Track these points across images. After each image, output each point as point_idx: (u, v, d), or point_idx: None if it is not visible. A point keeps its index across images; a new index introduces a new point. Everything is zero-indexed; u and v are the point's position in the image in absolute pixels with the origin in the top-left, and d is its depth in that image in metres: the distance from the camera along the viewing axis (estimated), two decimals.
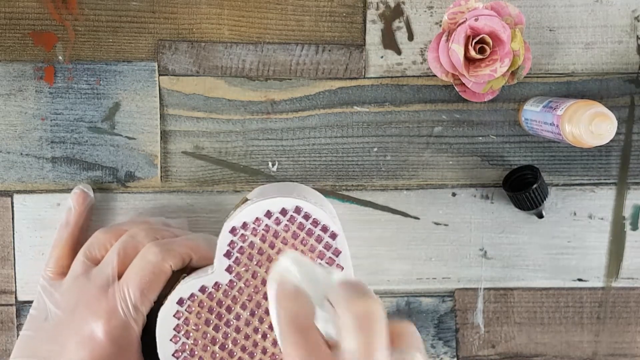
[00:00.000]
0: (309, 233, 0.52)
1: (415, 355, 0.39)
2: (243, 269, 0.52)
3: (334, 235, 0.52)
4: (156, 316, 0.52)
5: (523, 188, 0.59)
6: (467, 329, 0.62)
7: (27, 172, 0.60)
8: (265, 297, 0.52)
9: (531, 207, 0.59)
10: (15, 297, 0.61)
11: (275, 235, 0.52)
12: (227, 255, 0.52)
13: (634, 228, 0.62)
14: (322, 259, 0.52)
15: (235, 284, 0.52)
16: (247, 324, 0.52)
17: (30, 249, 0.60)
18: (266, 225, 0.51)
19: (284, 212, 0.51)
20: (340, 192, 0.61)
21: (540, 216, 0.61)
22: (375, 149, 0.61)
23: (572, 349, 0.62)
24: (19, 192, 0.60)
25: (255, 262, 0.52)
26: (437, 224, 0.61)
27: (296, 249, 0.52)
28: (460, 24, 0.56)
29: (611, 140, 0.51)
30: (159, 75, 0.60)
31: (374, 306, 0.39)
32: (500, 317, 0.62)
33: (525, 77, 0.59)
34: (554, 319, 0.62)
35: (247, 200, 0.53)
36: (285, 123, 0.60)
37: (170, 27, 0.59)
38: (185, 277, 0.53)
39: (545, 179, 0.61)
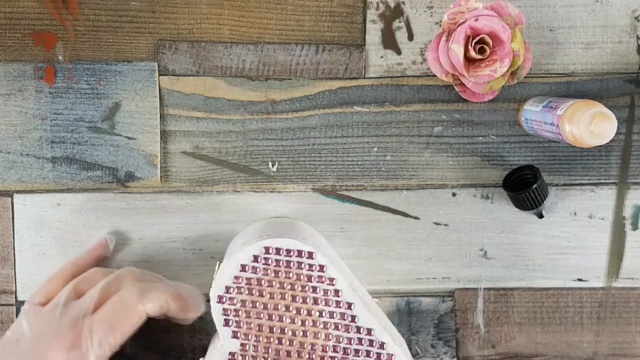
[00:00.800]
0: (288, 264, 0.53)
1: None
2: (246, 328, 0.53)
3: (311, 255, 0.53)
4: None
5: (523, 188, 0.59)
6: (467, 329, 0.62)
7: (27, 172, 0.60)
8: (281, 342, 0.53)
9: (531, 207, 0.59)
10: (15, 297, 0.61)
11: (259, 282, 0.53)
12: (227, 323, 0.53)
13: (634, 228, 0.62)
14: (311, 280, 0.53)
15: (247, 345, 0.53)
16: None
17: (30, 249, 0.60)
18: (247, 278, 0.52)
19: (255, 258, 0.52)
20: (340, 192, 0.61)
21: (540, 216, 0.61)
22: (375, 149, 0.61)
23: (572, 349, 0.62)
24: (19, 192, 0.60)
25: (255, 316, 0.53)
26: (437, 224, 0.61)
27: (285, 283, 0.53)
28: (460, 24, 0.56)
29: (611, 140, 0.51)
30: (159, 75, 0.60)
31: None
32: (500, 317, 0.62)
33: (525, 77, 0.59)
34: (554, 319, 0.62)
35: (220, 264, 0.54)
36: (285, 123, 0.60)
37: (170, 27, 0.59)
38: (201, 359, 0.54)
39: (545, 179, 0.61)
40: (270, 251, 0.53)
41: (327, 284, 0.53)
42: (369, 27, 0.60)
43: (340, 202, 0.61)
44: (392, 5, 0.60)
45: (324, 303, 0.53)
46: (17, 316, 0.60)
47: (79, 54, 0.59)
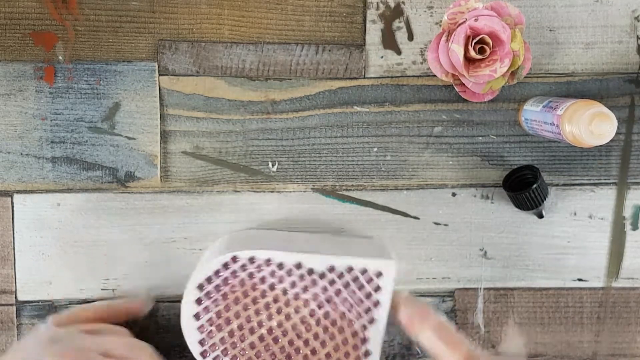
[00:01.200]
0: (250, 276, 0.54)
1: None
2: (223, 346, 0.55)
3: (268, 262, 0.54)
4: None
5: (523, 188, 0.59)
6: (467, 329, 0.62)
7: (27, 172, 0.60)
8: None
9: (531, 207, 0.59)
10: (15, 297, 0.61)
11: (224, 297, 0.54)
12: (202, 353, 0.55)
13: (634, 228, 0.62)
14: (290, 287, 0.54)
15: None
16: None
17: (30, 249, 0.60)
18: (205, 307, 0.54)
19: (209, 279, 0.54)
20: (340, 192, 0.61)
21: (540, 216, 0.61)
22: (375, 149, 0.61)
23: (572, 349, 0.62)
24: (19, 192, 0.60)
25: (228, 334, 0.55)
26: (437, 224, 0.61)
27: (244, 298, 0.55)
28: (460, 24, 0.56)
29: (611, 140, 0.51)
30: (159, 75, 0.60)
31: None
32: (500, 317, 0.62)
33: (525, 77, 0.59)
34: (554, 319, 0.62)
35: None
36: (285, 123, 0.60)
37: (170, 27, 0.59)
38: None
39: (545, 179, 0.61)
40: (229, 267, 0.54)
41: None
42: (369, 27, 0.60)
43: (340, 202, 0.61)
44: (392, 5, 0.60)
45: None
46: (17, 316, 0.61)
47: (79, 54, 0.59)
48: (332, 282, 0.54)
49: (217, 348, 0.55)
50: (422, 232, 0.61)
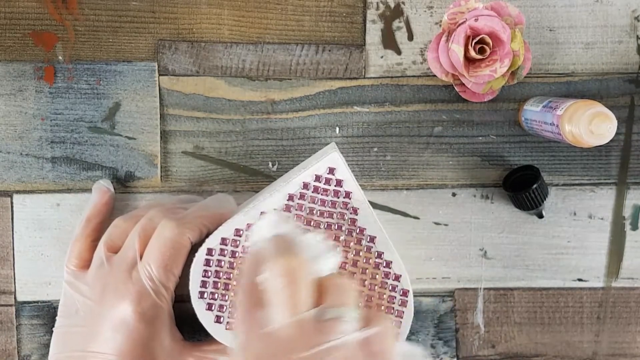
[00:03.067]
0: (232, 254, 0.54)
1: (342, 311, 0.40)
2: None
3: (238, 231, 0.54)
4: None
5: (523, 188, 0.59)
6: (467, 329, 0.62)
7: (27, 172, 0.60)
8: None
9: (531, 207, 0.59)
10: (15, 298, 0.61)
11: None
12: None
13: (634, 228, 0.62)
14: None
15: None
16: None
17: (29, 249, 0.60)
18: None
19: (203, 284, 0.55)
20: None
21: (540, 216, 0.61)
22: (375, 149, 0.61)
23: (572, 349, 0.62)
24: (18, 192, 0.60)
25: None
26: (437, 224, 0.61)
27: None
28: (460, 24, 0.56)
29: (611, 140, 0.51)
30: (159, 75, 0.60)
31: (295, 263, 0.41)
32: (500, 317, 0.62)
33: (525, 77, 0.59)
34: (554, 319, 0.62)
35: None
36: (285, 123, 0.60)
37: (170, 27, 0.59)
38: None
39: (545, 179, 0.61)
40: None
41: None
42: (369, 27, 0.60)
43: None
44: (392, 5, 0.60)
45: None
46: (16, 317, 0.60)
47: (79, 54, 0.59)
48: (300, 207, 0.55)
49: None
50: (422, 232, 0.61)
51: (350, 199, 0.55)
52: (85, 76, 0.60)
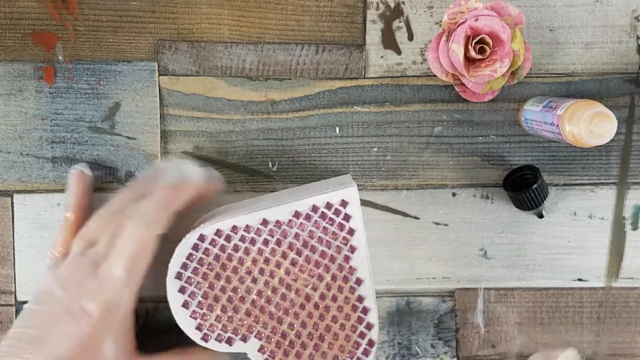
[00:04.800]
0: (222, 248, 0.55)
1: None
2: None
3: (235, 229, 0.55)
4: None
5: (523, 188, 0.59)
6: (467, 329, 0.62)
7: (27, 172, 0.60)
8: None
9: (531, 207, 0.59)
10: (15, 297, 0.61)
11: (205, 277, 0.55)
12: (203, 338, 0.55)
13: (634, 228, 0.62)
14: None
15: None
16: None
17: (30, 249, 0.60)
18: (190, 293, 0.55)
19: (184, 266, 0.55)
20: None
21: (540, 216, 0.61)
22: (375, 149, 0.61)
23: None
24: (19, 192, 0.60)
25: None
26: (437, 224, 0.61)
27: (225, 272, 0.55)
28: (460, 24, 0.56)
29: (611, 140, 0.51)
30: (159, 75, 0.60)
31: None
32: (500, 317, 0.62)
33: (525, 77, 0.59)
34: (554, 319, 0.62)
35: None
36: (285, 123, 0.60)
37: (170, 27, 0.59)
38: None
39: (545, 179, 0.61)
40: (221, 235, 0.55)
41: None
42: (369, 27, 0.60)
43: None
44: (392, 5, 0.60)
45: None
46: (16, 316, 0.60)
47: (79, 54, 0.59)
48: (302, 227, 0.55)
49: (215, 328, 0.55)
50: (422, 232, 0.61)
51: (352, 236, 0.55)
52: (85, 76, 0.60)
